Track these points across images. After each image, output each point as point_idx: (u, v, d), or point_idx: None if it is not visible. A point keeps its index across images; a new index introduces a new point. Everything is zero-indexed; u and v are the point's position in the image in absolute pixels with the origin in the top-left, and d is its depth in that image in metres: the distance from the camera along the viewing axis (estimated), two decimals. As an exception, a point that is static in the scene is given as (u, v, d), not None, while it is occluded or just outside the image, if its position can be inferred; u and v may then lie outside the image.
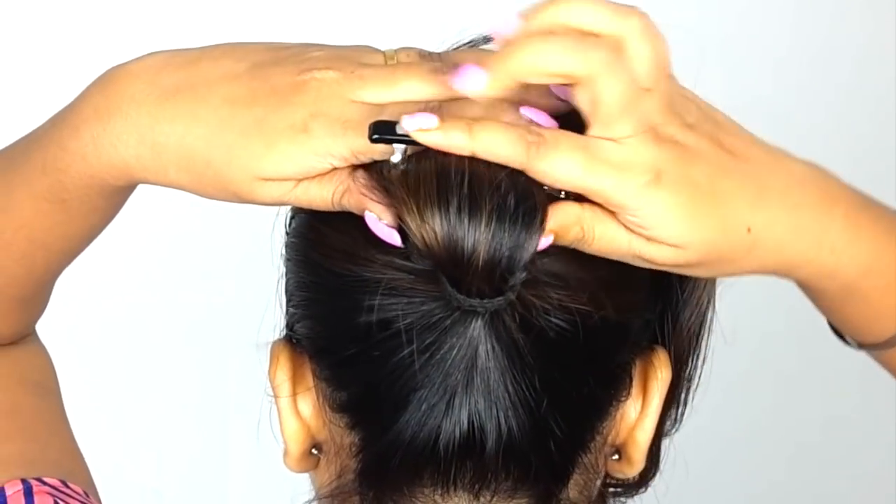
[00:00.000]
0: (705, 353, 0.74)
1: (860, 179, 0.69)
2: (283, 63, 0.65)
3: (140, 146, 0.66)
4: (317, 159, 0.62)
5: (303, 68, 0.64)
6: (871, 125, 1.57)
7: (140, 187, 0.74)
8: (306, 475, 0.73)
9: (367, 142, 0.60)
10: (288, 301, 0.70)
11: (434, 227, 0.60)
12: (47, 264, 0.78)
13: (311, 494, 0.72)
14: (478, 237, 0.60)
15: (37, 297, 0.83)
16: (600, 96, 0.60)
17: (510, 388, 0.63)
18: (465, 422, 0.63)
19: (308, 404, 0.68)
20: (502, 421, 0.63)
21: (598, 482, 0.70)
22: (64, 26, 1.57)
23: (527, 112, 0.62)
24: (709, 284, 0.72)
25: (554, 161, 0.60)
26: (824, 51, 1.60)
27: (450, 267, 0.60)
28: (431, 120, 0.60)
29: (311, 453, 0.70)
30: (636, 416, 0.68)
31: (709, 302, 0.73)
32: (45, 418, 0.84)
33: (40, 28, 1.57)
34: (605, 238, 0.62)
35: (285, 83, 0.64)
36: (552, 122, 0.62)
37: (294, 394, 0.68)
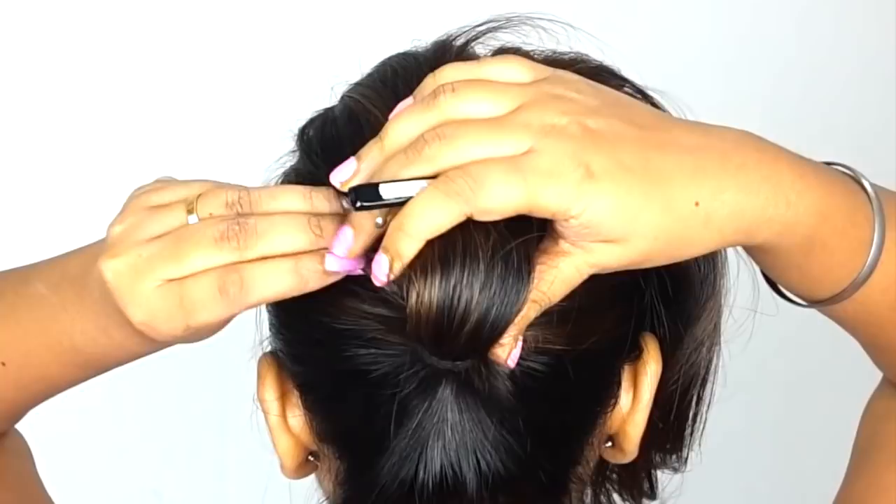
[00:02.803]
0: (710, 399, 0.73)
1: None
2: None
3: None
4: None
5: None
6: (872, 126, 1.57)
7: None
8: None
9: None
10: (270, 325, 0.70)
11: (431, 293, 0.58)
12: (47, 393, 0.78)
13: (314, 499, 0.72)
14: (470, 306, 0.58)
15: (20, 415, 0.82)
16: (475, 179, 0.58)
17: (488, 435, 0.62)
18: (438, 472, 0.62)
19: (298, 419, 0.68)
20: (483, 465, 0.62)
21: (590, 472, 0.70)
22: (64, 26, 1.57)
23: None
24: (714, 303, 0.71)
25: (492, 193, 0.58)
26: (825, 51, 1.60)
27: (433, 333, 0.59)
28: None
29: (307, 460, 0.69)
30: (628, 407, 0.67)
31: (714, 341, 0.72)
32: (19, 472, 0.83)
33: (40, 28, 1.57)
34: (555, 285, 0.60)
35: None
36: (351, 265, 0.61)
37: (283, 413, 0.68)
